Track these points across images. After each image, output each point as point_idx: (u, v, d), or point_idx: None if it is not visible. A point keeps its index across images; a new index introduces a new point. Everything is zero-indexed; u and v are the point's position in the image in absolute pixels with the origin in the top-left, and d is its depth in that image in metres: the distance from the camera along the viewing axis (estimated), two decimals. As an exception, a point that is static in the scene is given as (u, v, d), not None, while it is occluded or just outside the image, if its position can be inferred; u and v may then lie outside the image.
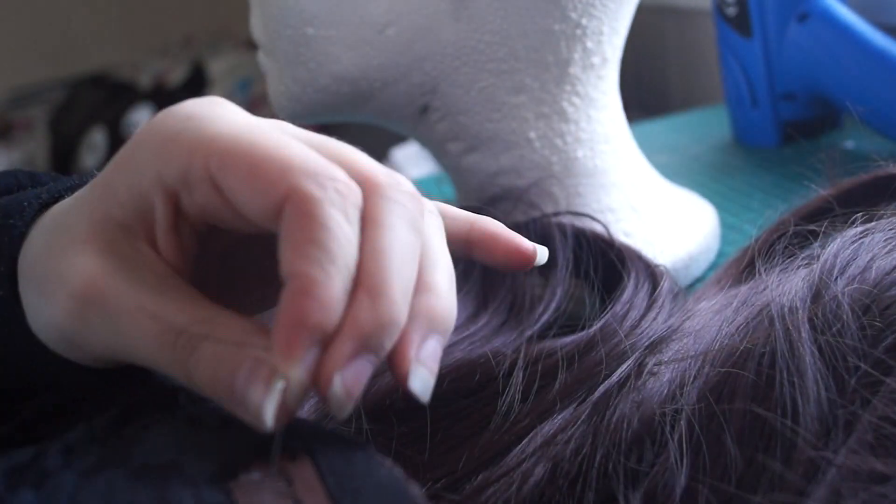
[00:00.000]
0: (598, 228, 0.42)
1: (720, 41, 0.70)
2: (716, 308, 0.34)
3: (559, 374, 0.32)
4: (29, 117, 2.24)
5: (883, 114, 0.58)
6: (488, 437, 0.30)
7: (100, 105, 2.08)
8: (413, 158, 1.04)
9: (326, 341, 0.22)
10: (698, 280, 0.48)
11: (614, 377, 0.31)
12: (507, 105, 0.44)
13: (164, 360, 0.23)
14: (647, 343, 0.33)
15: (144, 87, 2.10)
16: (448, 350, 0.36)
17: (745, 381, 0.27)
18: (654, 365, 0.32)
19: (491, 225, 0.30)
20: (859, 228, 0.32)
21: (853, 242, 0.31)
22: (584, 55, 0.44)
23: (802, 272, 0.31)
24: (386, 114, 0.46)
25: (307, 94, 0.44)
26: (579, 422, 0.30)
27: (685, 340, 0.33)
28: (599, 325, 0.35)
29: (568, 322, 0.38)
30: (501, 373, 0.33)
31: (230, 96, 1.88)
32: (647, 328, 0.34)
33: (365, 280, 0.22)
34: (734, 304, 0.33)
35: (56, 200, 0.28)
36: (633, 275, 0.38)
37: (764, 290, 0.32)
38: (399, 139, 1.02)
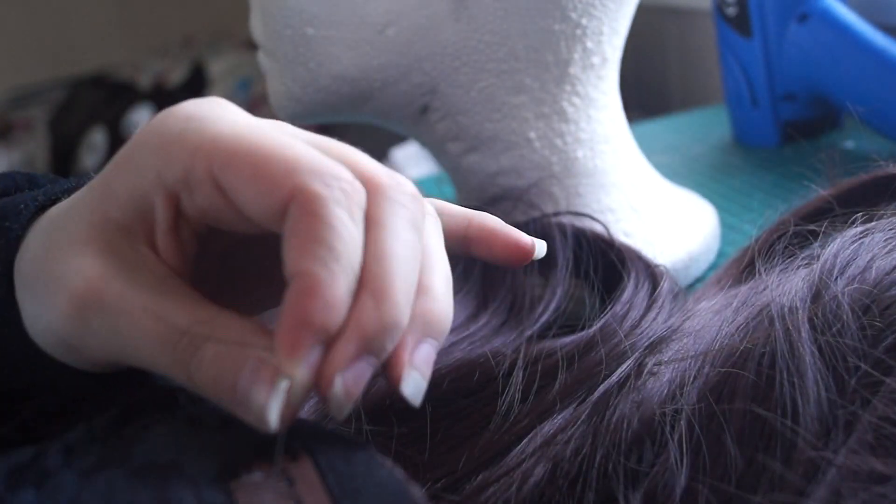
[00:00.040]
0: (598, 228, 0.42)
1: (720, 41, 0.70)
2: (716, 308, 0.34)
3: (559, 374, 0.32)
4: (29, 117, 2.24)
5: (883, 114, 0.58)
6: (488, 437, 0.30)
7: (100, 105, 2.08)
8: (413, 158, 1.04)
9: (329, 342, 0.22)
10: (698, 280, 0.48)
11: (614, 377, 0.31)
12: (507, 105, 0.44)
13: (165, 362, 0.23)
14: (647, 343, 0.33)
15: (144, 87, 2.10)
16: (448, 350, 0.36)
17: (745, 381, 0.27)
18: (654, 365, 0.32)
19: (489, 220, 0.30)
20: (859, 228, 0.32)
21: (853, 242, 0.31)
22: (584, 55, 0.44)
23: (802, 272, 0.31)
24: (386, 114, 0.46)
25: (307, 94, 0.44)
26: (579, 422, 0.30)
27: (685, 340, 0.33)
28: (599, 325, 0.35)
29: (568, 322, 0.38)
30: (501, 373, 0.33)
31: (230, 96, 1.88)
32: (647, 328, 0.34)
33: (369, 282, 0.22)
34: (734, 304, 0.33)
35: (53, 202, 0.28)
36: (633, 275, 0.38)
37: (764, 290, 0.32)
38: (399, 139, 1.02)
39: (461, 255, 0.31)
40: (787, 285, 0.30)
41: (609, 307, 0.36)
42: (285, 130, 0.25)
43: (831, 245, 0.31)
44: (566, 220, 0.42)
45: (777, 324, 0.28)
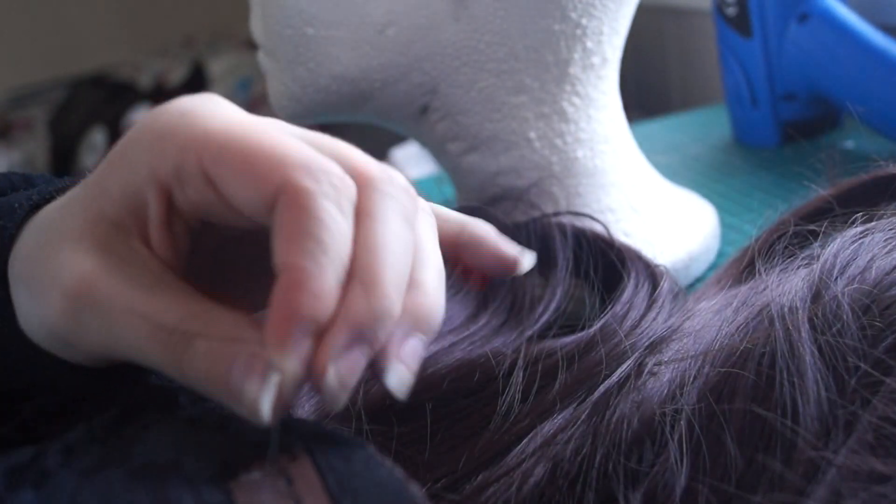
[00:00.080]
0: (598, 228, 0.42)
1: (720, 41, 0.70)
2: (716, 308, 0.34)
3: (559, 374, 0.32)
4: (29, 117, 2.24)
5: (883, 114, 0.58)
6: (488, 437, 0.30)
7: (100, 105, 2.08)
8: (413, 158, 1.04)
9: (320, 333, 0.22)
10: (698, 280, 0.48)
11: (614, 377, 0.31)
12: (507, 105, 0.44)
13: (158, 358, 0.23)
14: (647, 343, 0.33)
15: (144, 87, 2.10)
16: (448, 350, 0.36)
17: (745, 381, 0.27)
18: (654, 365, 0.32)
19: (480, 229, 0.30)
20: (859, 228, 0.32)
21: (853, 242, 0.31)
22: (584, 55, 0.44)
23: (802, 272, 0.31)
24: (386, 114, 0.46)
25: (307, 94, 0.44)
26: (579, 422, 0.30)
27: (685, 340, 0.33)
28: (599, 325, 0.35)
29: (568, 322, 0.38)
30: (501, 373, 0.33)
31: (230, 96, 1.88)
32: (647, 328, 0.34)
33: (359, 272, 0.22)
34: (734, 304, 0.33)
35: (47, 201, 0.28)
36: (633, 275, 0.38)
37: (764, 290, 0.32)
38: (399, 139, 1.02)
39: (451, 262, 0.31)
40: (787, 285, 0.30)
41: (609, 307, 0.36)
42: (278, 127, 0.25)
43: (831, 245, 0.31)
44: (566, 220, 0.42)
45: (777, 324, 0.28)
